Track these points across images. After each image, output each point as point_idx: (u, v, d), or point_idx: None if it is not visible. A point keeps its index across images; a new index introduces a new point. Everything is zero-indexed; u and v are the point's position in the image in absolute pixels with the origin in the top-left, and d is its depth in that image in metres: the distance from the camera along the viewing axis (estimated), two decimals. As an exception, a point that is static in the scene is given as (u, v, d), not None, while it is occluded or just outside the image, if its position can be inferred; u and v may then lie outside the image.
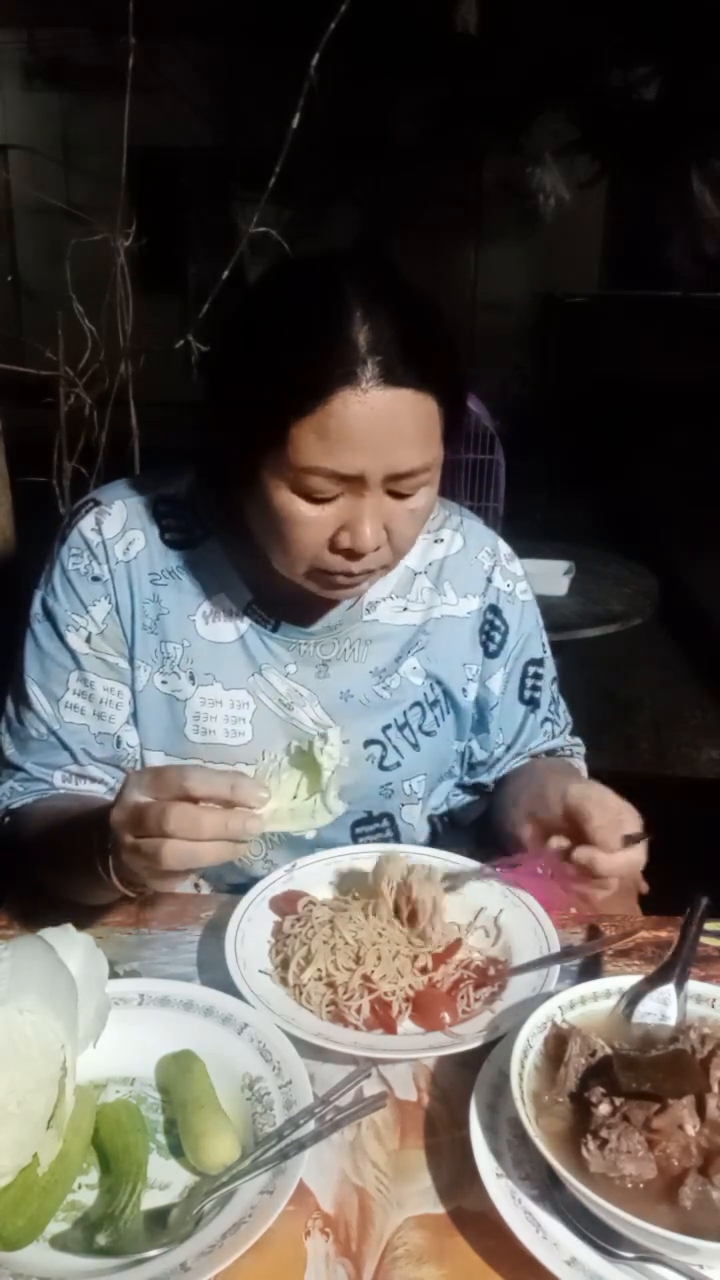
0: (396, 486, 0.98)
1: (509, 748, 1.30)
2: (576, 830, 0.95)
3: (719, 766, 3.55)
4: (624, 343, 7.81)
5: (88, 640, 1.13)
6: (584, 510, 5.93)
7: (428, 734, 1.22)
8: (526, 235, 8.62)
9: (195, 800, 0.82)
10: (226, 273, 2.01)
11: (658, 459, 6.44)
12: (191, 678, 1.15)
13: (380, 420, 0.93)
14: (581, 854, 0.93)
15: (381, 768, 1.20)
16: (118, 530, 1.13)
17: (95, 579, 1.13)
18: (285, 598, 1.13)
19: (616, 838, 0.93)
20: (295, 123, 1.83)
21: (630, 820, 0.96)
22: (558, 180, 7.97)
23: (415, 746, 1.22)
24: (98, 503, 1.15)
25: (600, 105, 6.88)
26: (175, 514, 1.16)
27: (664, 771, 3.51)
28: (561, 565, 3.22)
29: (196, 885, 1.22)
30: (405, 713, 1.21)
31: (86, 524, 1.13)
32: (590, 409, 7.21)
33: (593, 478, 6.39)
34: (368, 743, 1.19)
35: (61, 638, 1.14)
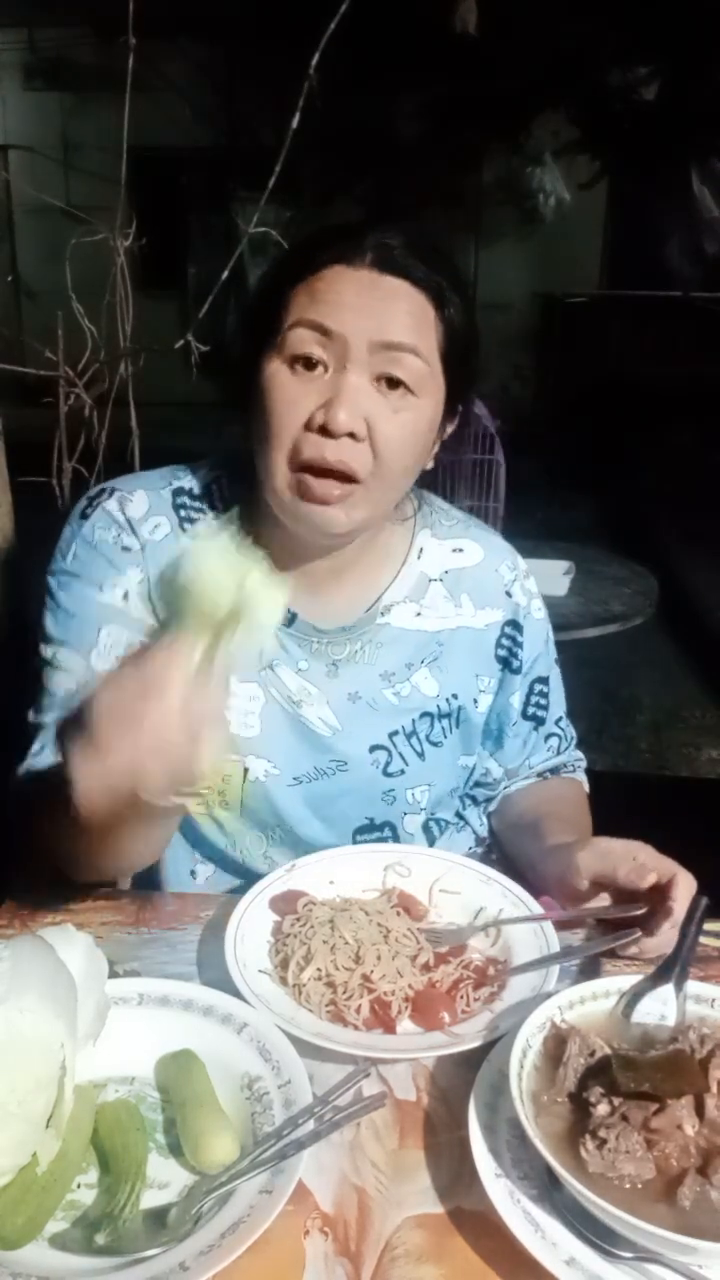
0: (384, 367, 0.99)
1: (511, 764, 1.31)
2: (604, 885, 1.01)
3: (719, 766, 3.55)
4: (624, 343, 7.81)
5: (125, 597, 1.11)
6: (584, 510, 5.93)
7: (434, 744, 1.22)
8: (526, 235, 8.63)
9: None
10: (226, 273, 2.01)
11: (658, 459, 6.44)
12: None
13: (370, 292, 0.98)
14: (640, 942, 0.99)
15: (385, 773, 1.19)
16: (143, 513, 1.13)
17: (125, 549, 1.11)
18: (301, 588, 1.12)
19: (642, 875, 0.98)
20: (295, 123, 1.82)
21: (644, 853, 1.00)
22: (558, 180, 7.99)
23: (421, 755, 1.21)
24: (116, 489, 1.14)
25: (600, 105, 6.88)
26: (194, 505, 1.15)
27: (664, 771, 3.51)
28: (561, 565, 3.23)
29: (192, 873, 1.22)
30: (415, 721, 1.20)
31: (111, 505, 1.13)
32: (590, 409, 7.22)
33: (593, 478, 6.38)
34: (373, 748, 1.19)
35: (92, 595, 1.10)
